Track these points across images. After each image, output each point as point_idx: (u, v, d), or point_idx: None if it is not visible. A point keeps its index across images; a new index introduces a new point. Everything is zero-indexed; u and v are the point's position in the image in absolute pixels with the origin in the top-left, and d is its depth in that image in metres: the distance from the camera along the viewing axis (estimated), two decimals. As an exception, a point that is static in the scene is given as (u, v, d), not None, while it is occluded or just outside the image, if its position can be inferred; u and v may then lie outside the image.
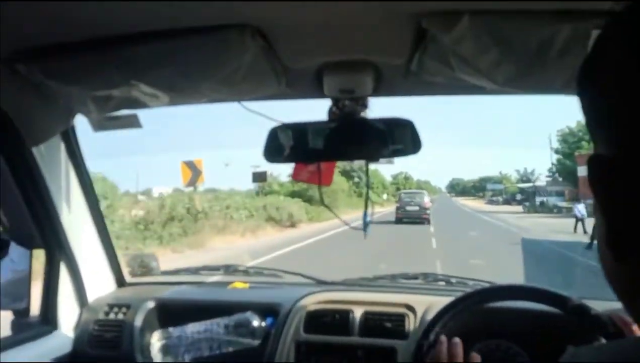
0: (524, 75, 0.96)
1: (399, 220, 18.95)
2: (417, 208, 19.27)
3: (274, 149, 1.17)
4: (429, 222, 18.28)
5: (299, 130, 1.18)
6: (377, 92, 1.16)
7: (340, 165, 13.73)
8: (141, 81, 1.02)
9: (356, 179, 28.17)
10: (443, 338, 1.06)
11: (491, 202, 55.93)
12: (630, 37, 0.29)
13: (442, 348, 1.05)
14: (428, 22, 0.84)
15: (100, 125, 1.33)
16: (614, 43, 0.31)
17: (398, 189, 52.34)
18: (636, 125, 0.29)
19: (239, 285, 1.76)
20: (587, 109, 0.35)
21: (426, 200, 20.19)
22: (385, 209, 26.88)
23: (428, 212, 19.17)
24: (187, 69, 1.00)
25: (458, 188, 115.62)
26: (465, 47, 0.88)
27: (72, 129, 1.43)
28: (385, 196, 44.06)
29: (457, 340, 1.05)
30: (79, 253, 1.53)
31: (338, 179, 23.82)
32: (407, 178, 66.91)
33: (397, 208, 20.06)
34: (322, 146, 1.16)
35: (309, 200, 19.98)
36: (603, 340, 1.00)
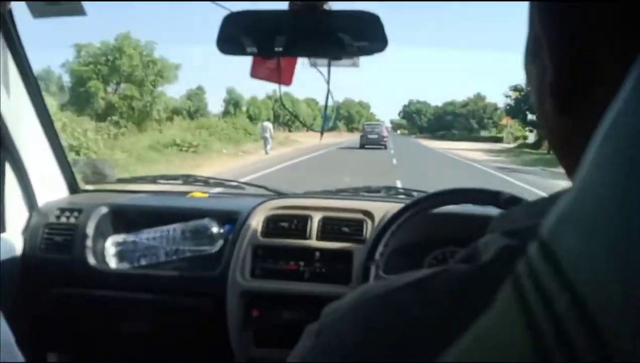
0: None
1: (362, 146, 23.55)
2: (376, 136, 24.52)
3: (229, 39, 1.03)
4: (386, 147, 23.64)
5: (255, 19, 1.04)
6: None
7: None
8: None
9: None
10: None
11: None
12: None
13: None
14: None
15: (39, 11, 1.19)
16: None
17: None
18: None
19: (197, 194, 1.73)
20: None
21: (384, 129, 26.34)
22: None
23: (385, 139, 24.64)
24: None
25: (421, 122, 69.02)
26: None
27: (10, 14, 1.28)
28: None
29: None
30: (26, 155, 1.43)
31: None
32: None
33: (361, 137, 25.22)
34: (282, 40, 1.04)
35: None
36: None
